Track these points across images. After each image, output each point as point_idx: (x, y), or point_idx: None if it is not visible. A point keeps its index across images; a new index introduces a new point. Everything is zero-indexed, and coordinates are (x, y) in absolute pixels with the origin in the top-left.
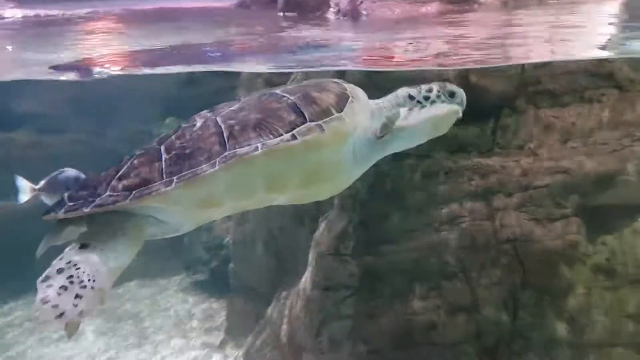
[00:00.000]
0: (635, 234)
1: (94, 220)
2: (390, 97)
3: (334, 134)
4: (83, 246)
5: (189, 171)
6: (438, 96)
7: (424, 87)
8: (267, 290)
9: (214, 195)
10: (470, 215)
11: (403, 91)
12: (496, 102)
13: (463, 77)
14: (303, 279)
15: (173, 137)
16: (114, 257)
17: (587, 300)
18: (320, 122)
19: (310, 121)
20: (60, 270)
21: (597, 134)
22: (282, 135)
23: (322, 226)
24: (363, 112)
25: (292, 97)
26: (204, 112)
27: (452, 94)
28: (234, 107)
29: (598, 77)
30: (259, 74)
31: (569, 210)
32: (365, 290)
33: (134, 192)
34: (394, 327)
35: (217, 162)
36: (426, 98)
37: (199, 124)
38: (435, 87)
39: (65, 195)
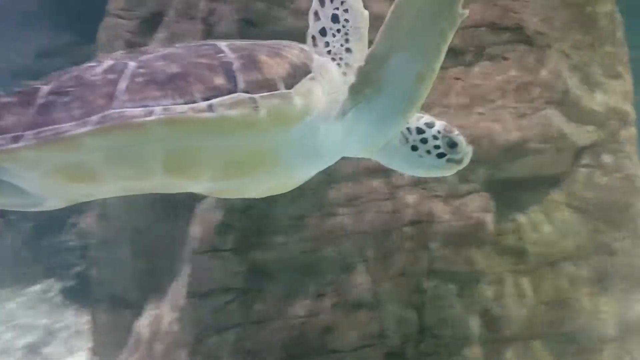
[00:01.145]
0: (546, 209)
1: None
2: None
3: (272, 116)
4: None
5: (51, 127)
6: (435, 137)
7: (427, 117)
8: (137, 298)
9: (88, 166)
10: (369, 195)
11: None
12: None
13: None
14: (174, 284)
15: (64, 77)
16: None
17: (500, 288)
18: (256, 95)
19: (242, 92)
20: None
21: (505, 96)
22: (195, 102)
23: (196, 218)
24: (328, 94)
25: (231, 55)
26: (122, 52)
27: (452, 144)
28: (159, 53)
29: (505, 30)
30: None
31: (476, 184)
32: (251, 292)
33: None
34: (286, 334)
35: (92, 122)
36: (420, 131)
37: (104, 66)
38: (437, 124)
39: None
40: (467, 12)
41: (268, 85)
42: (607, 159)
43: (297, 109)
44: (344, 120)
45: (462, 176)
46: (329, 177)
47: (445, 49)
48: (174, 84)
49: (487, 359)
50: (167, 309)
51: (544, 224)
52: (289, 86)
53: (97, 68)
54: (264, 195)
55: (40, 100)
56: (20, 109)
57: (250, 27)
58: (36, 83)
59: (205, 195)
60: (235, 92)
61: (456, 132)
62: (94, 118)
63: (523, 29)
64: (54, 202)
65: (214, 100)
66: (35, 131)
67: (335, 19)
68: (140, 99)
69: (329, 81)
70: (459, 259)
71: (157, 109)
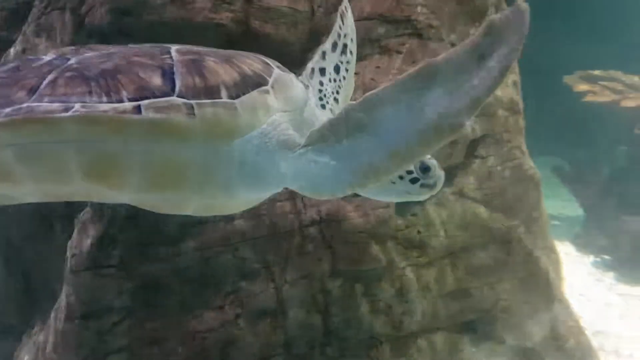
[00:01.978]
0: (444, 202)
1: None
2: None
3: (209, 126)
4: None
5: None
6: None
7: None
8: (17, 323)
9: (2, 164)
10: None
11: None
12: (283, 57)
13: (241, 23)
14: (55, 306)
15: (4, 66)
16: None
17: (403, 283)
18: (193, 101)
19: (178, 96)
20: None
21: None
22: (121, 102)
23: (75, 231)
24: (286, 113)
25: (176, 57)
26: (70, 48)
27: (425, 169)
28: (106, 51)
29: (396, 23)
30: None
31: None
32: (143, 310)
33: None
34: (184, 353)
35: (2, 114)
36: None
37: (44, 60)
38: None
39: None
40: (471, 124)
41: (209, 93)
42: (498, 149)
43: (240, 122)
44: (297, 152)
45: None
46: None
47: (438, 144)
48: (103, 81)
49: (393, 356)
50: (48, 333)
51: (443, 216)
52: (234, 97)
53: (38, 61)
54: (205, 215)
55: None
56: None
57: (125, 16)
58: None
59: (86, 206)
60: (170, 95)
61: (427, 156)
62: (7, 110)
63: (414, 21)
64: None
65: (143, 102)
66: None
67: (337, 69)
68: (61, 94)
69: (288, 99)
70: (363, 258)
71: (77, 105)
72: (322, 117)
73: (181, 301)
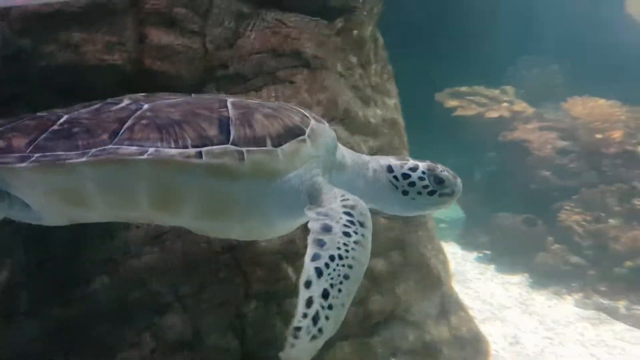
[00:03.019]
0: None
1: None
2: (361, 159)
3: (255, 170)
4: None
5: (53, 154)
6: (421, 178)
7: (410, 163)
8: None
9: (81, 192)
10: (174, 230)
11: (385, 159)
12: (180, 91)
13: (135, 62)
14: None
15: (84, 109)
16: None
17: None
18: (244, 149)
19: (232, 144)
20: None
21: None
22: (186, 148)
23: None
24: (317, 156)
25: (231, 110)
26: (142, 94)
27: (439, 181)
28: (173, 100)
29: (285, 56)
30: None
31: None
32: (59, 354)
33: None
34: None
35: (89, 154)
36: (405, 176)
37: (121, 105)
38: (421, 166)
39: None
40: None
41: (257, 142)
42: None
43: (280, 167)
44: (306, 209)
45: None
46: None
47: None
48: (172, 130)
49: None
50: None
51: None
52: (277, 145)
53: (116, 105)
54: (246, 239)
55: (54, 127)
56: (35, 132)
57: (15, 63)
58: (60, 110)
59: None
60: (226, 144)
61: (440, 168)
62: (93, 150)
63: (302, 54)
64: (52, 219)
65: (204, 149)
66: (39, 154)
67: None
68: (138, 139)
69: (321, 145)
70: (275, 278)
71: (150, 149)
72: (348, 156)
73: (97, 342)
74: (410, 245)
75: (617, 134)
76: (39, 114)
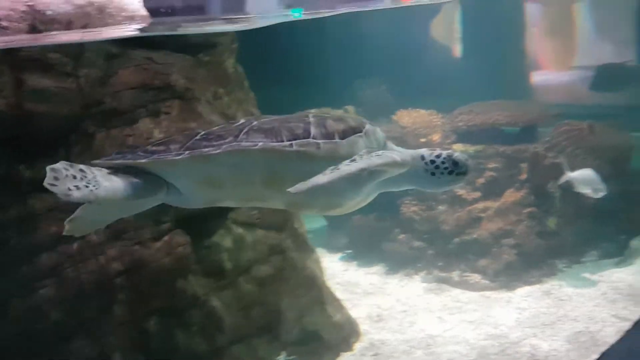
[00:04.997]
0: (228, 230)
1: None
2: (405, 151)
3: (328, 154)
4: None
5: (199, 149)
6: (443, 162)
7: (436, 152)
8: None
9: (218, 176)
10: (70, 260)
11: (420, 151)
12: (61, 129)
13: (14, 106)
14: None
15: (216, 127)
16: (120, 190)
17: (209, 307)
18: (320, 141)
19: (312, 138)
20: (82, 170)
21: None
22: (282, 141)
23: None
24: (371, 147)
25: (312, 118)
26: (252, 117)
27: (455, 163)
28: (273, 117)
29: (158, 90)
30: None
31: (170, 224)
32: None
33: (153, 155)
34: None
35: (221, 148)
36: (432, 162)
37: (238, 123)
38: (443, 153)
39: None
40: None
41: (329, 136)
42: None
43: (344, 151)
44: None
45: (157, 220)
46: (26, 250)
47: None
48: (273, 131)
49: None
50: None
51: (230, 243)
52: (342, 138)
53: (236, 123)
54: (325, 213)
55: (196, 137)
56: (184, 140)
57: None
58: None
59: None
60: (308, 138)
61: (456, 153)
62: (224, 146)
63: (173, 87)
64: (197, 202)
65: (294, 141)
66: (189, 151)
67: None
68: (251, 138)
69: (373, 140)
70: (172, 293)
71: (260, 143)
72: (395, 148)
73: None
74: (288, 250)
75: (436, 137)
76: (187, 132)
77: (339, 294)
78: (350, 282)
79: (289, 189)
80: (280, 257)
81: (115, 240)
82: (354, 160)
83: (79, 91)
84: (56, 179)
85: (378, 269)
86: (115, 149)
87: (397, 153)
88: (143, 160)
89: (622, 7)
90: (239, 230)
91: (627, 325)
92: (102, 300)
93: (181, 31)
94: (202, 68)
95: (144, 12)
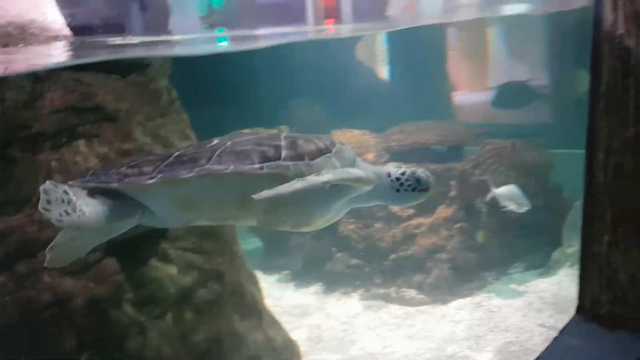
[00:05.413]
0: (162, 256)
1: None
2: (372, 169)
3: (298, 175)
4: (90, 193)
5: (171, 173)
6: (407, 180)
7: (401, 169)
8: None
9: (191, 199)
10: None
11: (387, 168)
12: None
13: None
14: None
15: (191, 147)
16: (101, 214)
17: (146, 336)
18: (290, 163)
19: (283, 160)
20: (65, 192)
21: None
22: (254, 164)
23: None
24: (339, 166)
25: (283, 140)
26: (227, 136)
27: (417, 180)
28: (245, 138)
29: (87, 112)
30: None
31: (101, 252)
32: None
33: (126, 179)
34: None
35: (194, 171)
36: (398, 179)
37: (211, 143)
38: (407, 171)
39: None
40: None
41: (299, 158)
42: None
43: (314, 173)
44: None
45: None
46: None
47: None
48: (244, 154)
49: None
50: None
51: (166, 270)
52: (311, 160)
53: (210, 144)
54: (296, 230)
55: (170, 159)
56: (158, 162)
57: None
58: (173, 150)
59: None
60: (279, 160)
61: (419, 171)
62: (196, 169)
63: (103, 108)
64: (173, 223)
65: (265, 164)
66: (161, 175)
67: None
68: (223, 161)
69: (342, 160)
70: (104, 324)
71: (231, 167)
72: (363, 166)
73: None
74: (227, 274)
75: (370, 156)
76: (158, 153)
77: (278, 316)
78: (289, 303)
79: (253, 195)
80: (218, 282)
81: (44, 270)
82: (319, 175)
83: (2, 115)
84: (49, 202)
85: (316, 288)
86: (44, 174)
87: (362, 171)
88: (115, 185)
89: (531, 31)
90: (175, 256)
91: (553, 333)
92: (31, 333)
93: (104, 57)
94: (133, 89)
95: (67, 31)
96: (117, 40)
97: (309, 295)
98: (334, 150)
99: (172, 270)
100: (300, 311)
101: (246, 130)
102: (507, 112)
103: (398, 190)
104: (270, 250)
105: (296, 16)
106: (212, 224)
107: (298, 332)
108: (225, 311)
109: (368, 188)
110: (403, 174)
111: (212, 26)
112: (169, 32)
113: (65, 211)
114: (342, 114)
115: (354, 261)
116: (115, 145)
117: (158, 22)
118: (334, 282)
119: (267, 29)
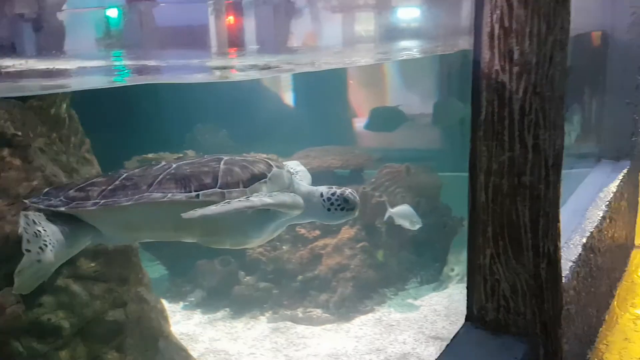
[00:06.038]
0: (64, 285)
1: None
2: (308, 189)
3: None
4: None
5: (112, 199)
6: (337, 199)
7: (332, 190)
8: None
9: (133, 222)
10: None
11: (320, 189)
12: None
13: None
14: None
15: (138, 170)
16: (63, 241)
17: None
18: (225, 190)
19: (219, 188)
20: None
21: None
22: (191, 192)
23: None
24: (277, 190)
25: (222, 166)
26: (176, 159)
27: (345, 200)
28: (189, 161)
29: None
30: None
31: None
32: None
33: (72, 203)
34: None
35: (133, 199)
36: (328, 199)
37: (158, 166)
38: (337, 191)
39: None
40: None
41: (234, 185)
42: None
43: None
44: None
45: None
46: None
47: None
48: (183, 181)
49: None
50: None
51: (65, 298)
52: (247, 186)
53: (155, 167)
54: (236, 247)
55: (116, 182)
56: (104, 185)
57: None
58: (123, 171)
59: None
60: (215, 188)
61: (347, 191)
62: (135, 197)
63: (2, 133)
64: (120, 240)
65: (201, 192)
66: (104, 201)
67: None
68: (163, 188)
69: (279, 183)
70: (4, 357)
71: (169, 194)
72: (298, 188)
73: None
74: (131, 302)
75: None
76: (110, 173)
77: (185, 343)
78: (196, 330)
79: (182, 214)
80: (122, 311)
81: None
82: (243, 200)
83: None
84: (28, 241)
85: (224, 314)
86: None
87: (293, 194)
88: (62, 209)
89: (421, 67)
90: (76, 285)
91: (447, 342)
92: None
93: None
94: (33, 113)
95: None
96: (9, 63)
97: (216, 321)
98: (269, 175)
99: (73, 300)
100: (208, 338)
101: (150, 155)
102: (400, 139)
103: (329, 210)
104: (175, 278)
105: (199, 42)
106: (159, 240)
107: (205, 359)
108: (129, 341)
109: (297, 212)
110: (333, 194)
111: (109, 47)
112: (64, 53)
113: (41, 248)
114: (249, 139)
115: (263, 284)
116: (17, 172)
117: (53, 43)
118: (242, 306)
119: (167, 56)
